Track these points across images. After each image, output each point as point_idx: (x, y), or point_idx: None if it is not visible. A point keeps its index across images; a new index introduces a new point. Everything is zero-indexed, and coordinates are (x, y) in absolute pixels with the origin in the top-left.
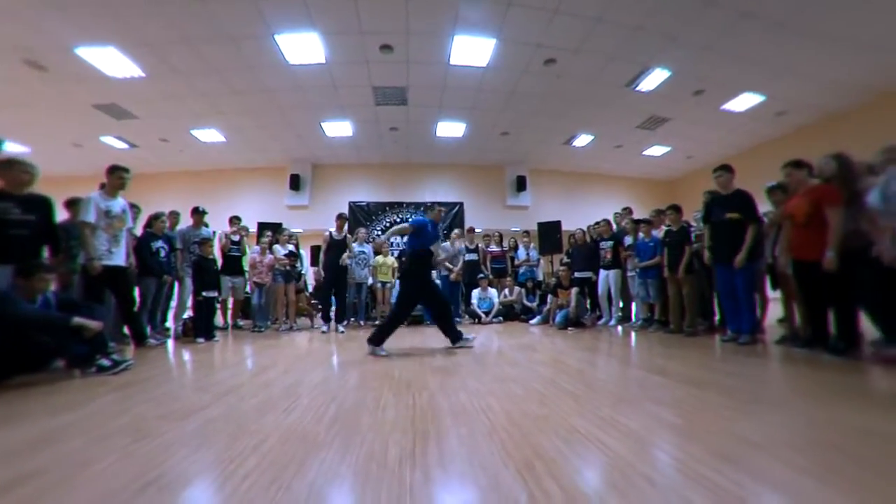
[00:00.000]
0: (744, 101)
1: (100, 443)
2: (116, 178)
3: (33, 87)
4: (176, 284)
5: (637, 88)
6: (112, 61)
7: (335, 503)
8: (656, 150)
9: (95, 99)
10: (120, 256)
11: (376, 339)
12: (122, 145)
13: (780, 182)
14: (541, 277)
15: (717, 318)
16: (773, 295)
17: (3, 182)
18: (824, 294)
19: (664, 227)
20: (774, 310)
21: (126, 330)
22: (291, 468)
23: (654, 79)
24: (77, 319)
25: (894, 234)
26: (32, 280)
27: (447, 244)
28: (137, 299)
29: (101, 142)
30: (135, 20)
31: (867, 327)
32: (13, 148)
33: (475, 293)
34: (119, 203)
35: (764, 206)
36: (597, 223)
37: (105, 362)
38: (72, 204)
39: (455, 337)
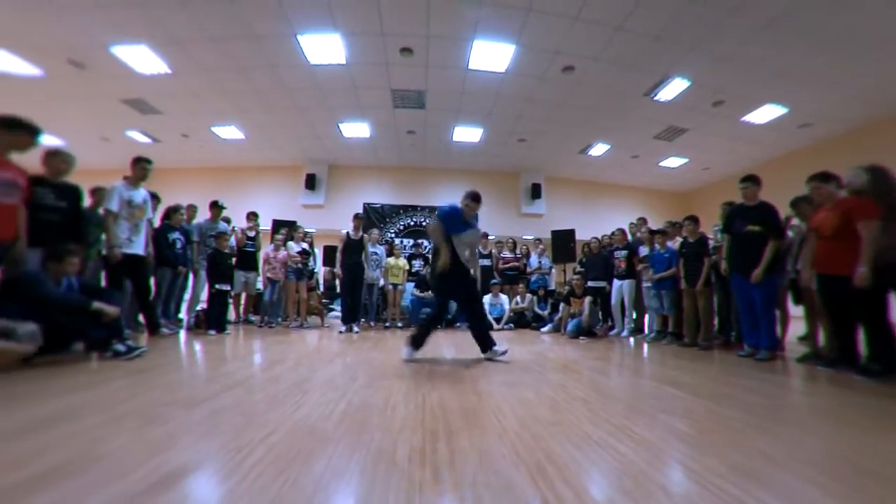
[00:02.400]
0: (765, 113)
1: (112, 423)
2: (140, 168)
3: (71, 83)
4: (191, 276)
5: (656, 98)
6: (142, 58)
7: (342, 499)
8: (673, 162)
9: (124, 94)
10: (139, 245)
11: (417, 342)
12: (145, 139)
13: (806, 194)
14: (553, 286)
15: (733, 333)
16: (795, 312)
17: (45, 170)
18: (852, 311)
19: (679, 239)
20: (796, 327)
21: (141, 318)
22: (298, 462)
23: (674, 88)
24: (96, 304)
25: None
26: (63, 263)
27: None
28: (153, 288)
29: (127, 136)
30: (166, 18)
31: None
32: (49, 140)
33: (486, 299)
34: (141, 193)
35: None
36: (612, 233)
37: (120, 347)
38: (96, 192)
39: (487, 345)
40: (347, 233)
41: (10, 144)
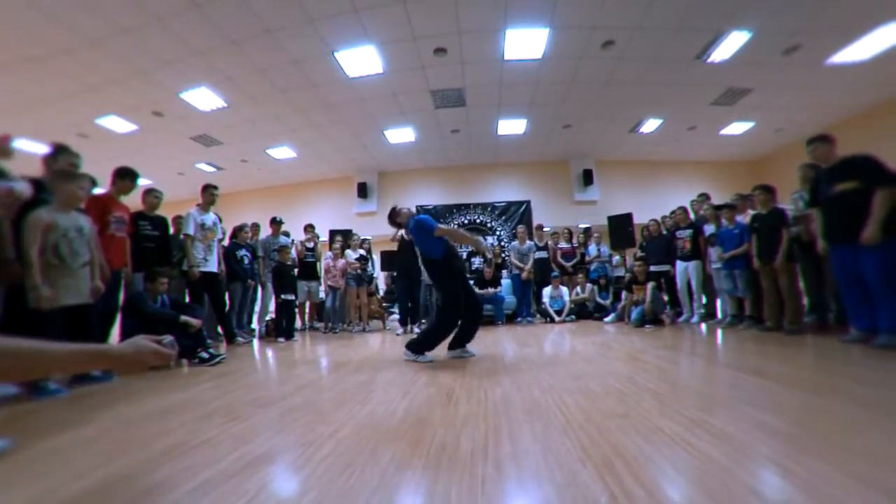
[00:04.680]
0: (871, 44)
1: (204, 419)
2: (209, 194)
3: (153, 130)
4: (259, 289)
5: (709, 60)
6: (203, 98)
7: (406, 491)
8: (736, 128)
9: (192, 132)
10: (213, 263)
11: (417, 347)
12: (211, 169)
13: None
14: (620, 273)
15: (831, 314)
16: None
17: (144, 206)
18: None
19: (751, 212)
20: None
21: (219, 329)
22: (364, 455)
23: (731, 45)
24: (183, 317)
25: None
26: (156, 283)
27: (515, 243)
28: (227, 302)
29: (196, 168)
30: (220, 60)
31: None
32: (143, 181)
33: (546, 292)
34: (211, 217)
35: None
36: (672, 212)
37: (204, 355)
38: (176, 220)
39: (458, 346)
40: (402, 235)
41: (121, 189)
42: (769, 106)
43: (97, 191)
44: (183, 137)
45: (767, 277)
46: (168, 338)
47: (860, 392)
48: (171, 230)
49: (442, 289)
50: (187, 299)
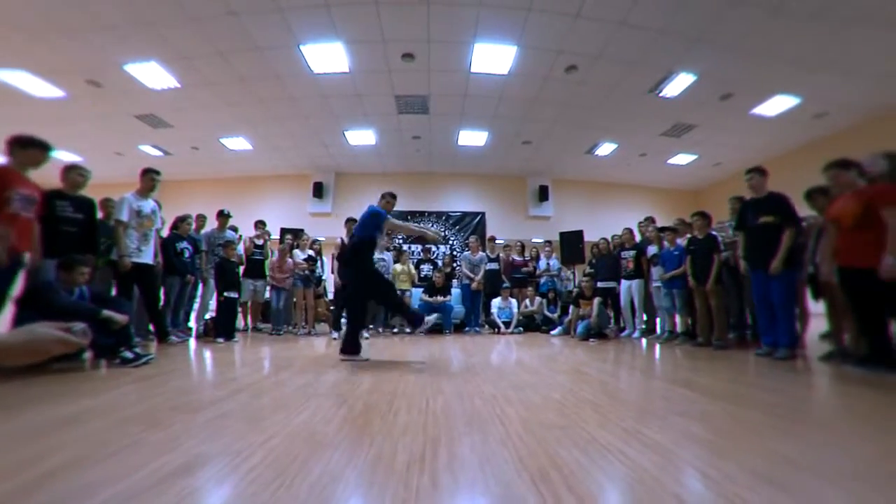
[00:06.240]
0: (776, 105)
1: (116, 427)
2: (148, 179)
3: (89, 102)
4: (200, 285)
5: (661, 94)
6: (153, 74)
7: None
8: (682, 159)
9: (137, 110)
10: (148, 255)
11: (350, 349)
12: (157, 153)
13: (821, 185)
14: (570, 287)
15: (748, 331)
16: (816, 309)
17: (63, 184)
18: (882, 305)
19: (688, 235)
20: (817, 325)
21: (150, 326)
22: (295, 466)
23: (679, 84)
24: (106, 312)
25: None
26: (73, 273)
27: (467, 253)
28: (162, 297)
29: (140, 150)
30: (174, 34)
31: None
32: (69, 157)
33: (495, 303)
34: (149, 204)
35: (803, 211)
36: (621, 233)
37: (128, 354)
38: (106, 203)
39: (416, 321)
40: (342, 239)
41: (26, 161)
42: (710, 142)
43: None
44: (125, 115)
45: (700, 297)
46: (79, 325)
47: (765, 399)
48: (101, 214)
49: (354, 280)
50: (114, 292)
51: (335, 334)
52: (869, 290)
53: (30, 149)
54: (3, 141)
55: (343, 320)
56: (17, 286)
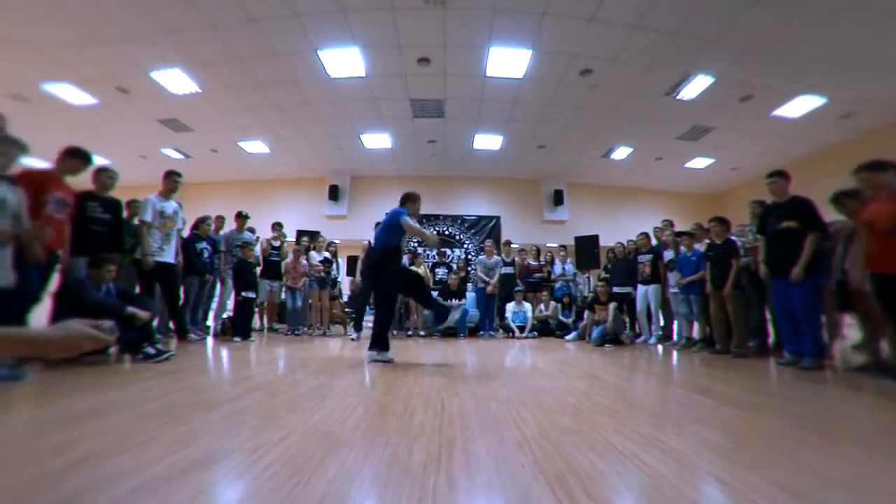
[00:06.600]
0: (799, 106)
1: (136, 421)
2: (171, 181)
3: (118, 108)
4: (218, 285)
5: (678, 97)
6: (176, 80)
7: (352, 502)
8: (699, 162)
9: (160, 114)
10: (170, 254)
11: (379, 345)
12: (178, 156)
13: (849, 188)
14: (587, 293)
15: (770, 339)
16: (847, 319)
17: (94, 185)
18: None
19: (707, 241)
20: (848, 335)
21: (171, 323)
22: (311, 465)
23: (696, 86)
24: (130, 308)
25: None
26: (101, 271)
27: (482, 257)
28: (182, 296)
29: (162, 153)
30: (197, 41)
31: None
32: (98, 160)
33: (510, 307)
34: (172, 205)
35: (829, 216)
36: (637, 237)
37: (150, 350)
38: (131, 204)
39: (443, 314)
40: (369, 241)
41: (68, 169)
42: (728, 145)
43: (40, 165)
44: (150, 119)
45: (717, 303)
46: (108, 322)
47: (788, 410)
48: (126, 215)
49: (381, 282)
50: (137, 290)
51: (355, 334)
52: None
53: (76, 159)
54: (58, 151)
55: (364, 321)
56: (53, 282)
